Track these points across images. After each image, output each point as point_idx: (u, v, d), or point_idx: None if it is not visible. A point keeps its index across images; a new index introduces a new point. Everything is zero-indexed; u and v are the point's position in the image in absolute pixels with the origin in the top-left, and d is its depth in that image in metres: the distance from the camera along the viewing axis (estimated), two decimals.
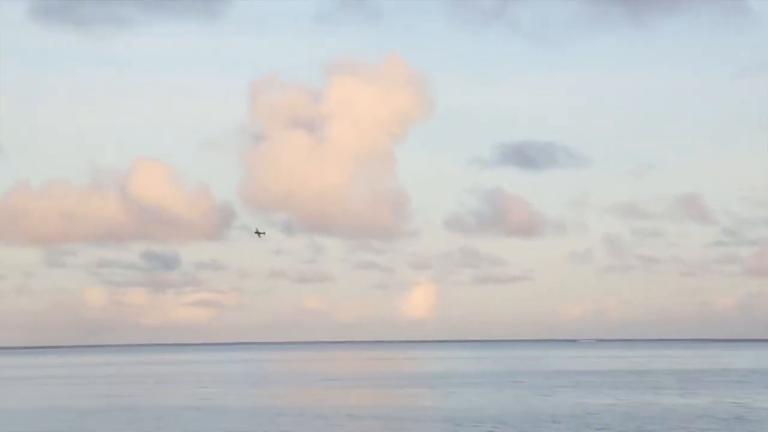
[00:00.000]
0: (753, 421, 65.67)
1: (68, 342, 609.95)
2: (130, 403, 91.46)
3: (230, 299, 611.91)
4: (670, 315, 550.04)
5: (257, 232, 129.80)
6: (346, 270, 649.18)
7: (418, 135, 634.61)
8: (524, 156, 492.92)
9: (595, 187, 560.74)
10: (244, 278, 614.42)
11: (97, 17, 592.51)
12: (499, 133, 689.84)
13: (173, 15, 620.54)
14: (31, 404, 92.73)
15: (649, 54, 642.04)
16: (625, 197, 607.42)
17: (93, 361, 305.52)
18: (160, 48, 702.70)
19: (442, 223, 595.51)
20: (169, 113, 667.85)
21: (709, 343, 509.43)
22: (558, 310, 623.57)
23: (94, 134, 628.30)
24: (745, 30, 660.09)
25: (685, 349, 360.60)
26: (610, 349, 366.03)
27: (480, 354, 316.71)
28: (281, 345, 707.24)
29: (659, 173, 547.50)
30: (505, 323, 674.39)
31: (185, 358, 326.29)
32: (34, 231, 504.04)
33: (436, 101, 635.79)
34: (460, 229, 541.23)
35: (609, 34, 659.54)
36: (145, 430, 63.18)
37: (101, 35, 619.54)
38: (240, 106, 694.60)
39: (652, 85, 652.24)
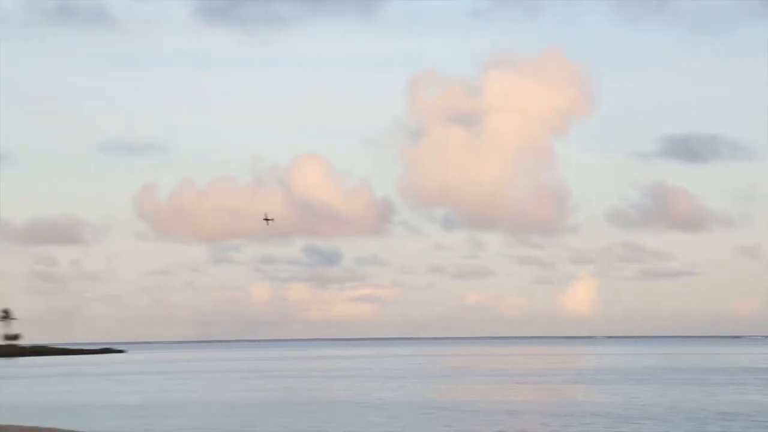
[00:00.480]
0: None
1: (233, 336, 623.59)
2: (294, 396, 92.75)
3: (391, 294, 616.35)
4: None
5: (266, 219, 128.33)
6: (506, 265, 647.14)
7: (578, 128, 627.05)
8: (688, 149, 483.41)
9: (762, 180, 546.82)
10: (405, 274, 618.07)
11: (257, 17, 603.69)
12: (662, 126, 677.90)
13: (331, 13, 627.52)
14: (198, 397, 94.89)
15: None
16: None
17: (258, 355, 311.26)
18: (319, 46, 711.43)
19: (603, 218, 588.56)
20: (329, 110, 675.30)
21: None
22: (725, 306, 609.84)
23: (256, 132, 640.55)
24: None
25: None
26: None
27: (644, 350, 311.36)
28: (442, 340, 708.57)
29: None
30: (670, 319, 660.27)
31: (348, 352, 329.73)
32: (200, 228, 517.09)
33: (598, 95, 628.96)
34: (623, 223, 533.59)
35: None
36: (308, 423, 63.92)
37: (261, 34, 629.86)
38: (399, 102, 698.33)
39: None
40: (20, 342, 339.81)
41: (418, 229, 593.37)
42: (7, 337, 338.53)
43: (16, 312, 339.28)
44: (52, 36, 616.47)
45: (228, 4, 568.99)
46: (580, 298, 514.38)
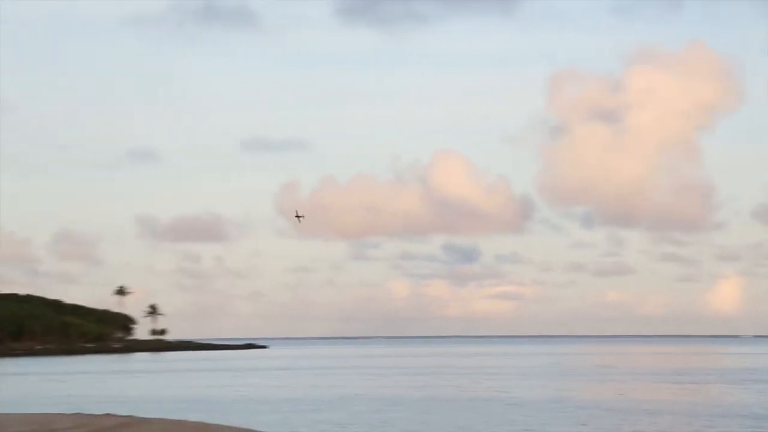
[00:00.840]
0: None
1: (372, 333, 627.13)
2: (434, 394, 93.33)
3: (531, 292, 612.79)
4: None
5: (297, 216, 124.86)
6: (648, 263, 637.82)
7: (723, 123, 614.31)
8: None
9: None
10: (544, 271, 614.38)
11: (397, 15, 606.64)
12: None
13: (471, 11, 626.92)
14: (341, 393, 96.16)
15: None
16: None
17: (398, 352, 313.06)
18: (459, 43, 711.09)
19: (750, 214, 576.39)
20: (468, 107, 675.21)
21: None
22: None
23: (395, 129, 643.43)
24: None
25: None
26: None
27: None
28: (582, 338, 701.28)
29: None
30: None
31: (487, 350, 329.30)
32: (340, 225, 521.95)
33: (743, 88, 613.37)
34: None
35: None
36: (448, 421, 64.40)
37: (401, 33, 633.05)
38: (538, 98, 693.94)
39: None
40: (166, 337, 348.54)
41: (558, 227, 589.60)
42: (154, 332, 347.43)
43: (162, 308, 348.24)
44: (197, 36, 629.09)
45: (368, 3, 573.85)
46: (725, 296, 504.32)
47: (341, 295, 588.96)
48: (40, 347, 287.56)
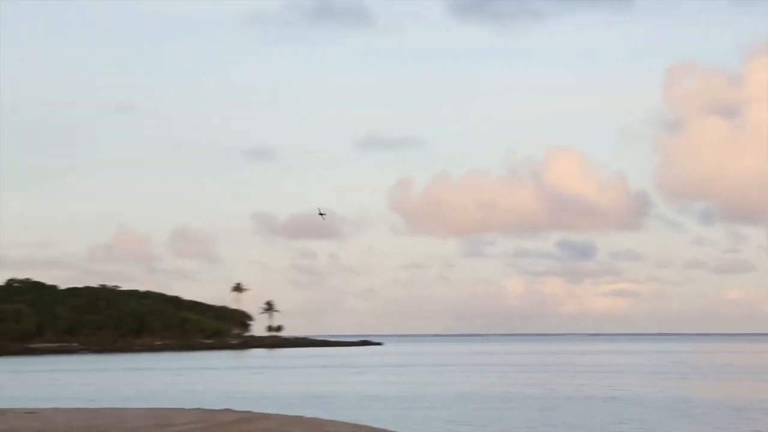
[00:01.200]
0: None
1: (486, 330, 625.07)
2: (549, 391, 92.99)
3: (647, 289, 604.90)
4: None
5: (320, 213, 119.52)
6: None
7: None
8: None
9: None
10: (661, 268, 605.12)
11: (510, 11, 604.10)
12: None
13: (585, 4, 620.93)
14: (454, 390, 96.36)
15: None
16: None
17: (513, 349, 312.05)
18: (574, 38, 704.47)
19: None
20: (582, 102, 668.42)
21: None
22: None
23: (510, 125, 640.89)
24: None
25: None
26: None
27: None
28: (701, 336, 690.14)
29: None
30: None
31: (603, 347, 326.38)
32: (454, 222, 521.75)
33: None
34: None
35: None
36: (561, 419, 64.22)
37: (515, 29, 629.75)
38: (655, 93, 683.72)
39: None
40: (282, 333, 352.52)
41: (676, 223, 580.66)
42: (270, 329, 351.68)
43: (277, 304, 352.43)
44: (311, 35, 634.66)
45: (480, 0, 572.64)
46: None
47: (455, 292, 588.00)
48: (159, 343, 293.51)
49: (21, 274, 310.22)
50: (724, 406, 73.89)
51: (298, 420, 51.13)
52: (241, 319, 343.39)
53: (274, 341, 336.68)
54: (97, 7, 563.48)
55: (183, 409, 59.22)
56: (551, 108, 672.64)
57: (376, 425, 54.74)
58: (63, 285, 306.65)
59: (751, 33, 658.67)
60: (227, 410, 56.10)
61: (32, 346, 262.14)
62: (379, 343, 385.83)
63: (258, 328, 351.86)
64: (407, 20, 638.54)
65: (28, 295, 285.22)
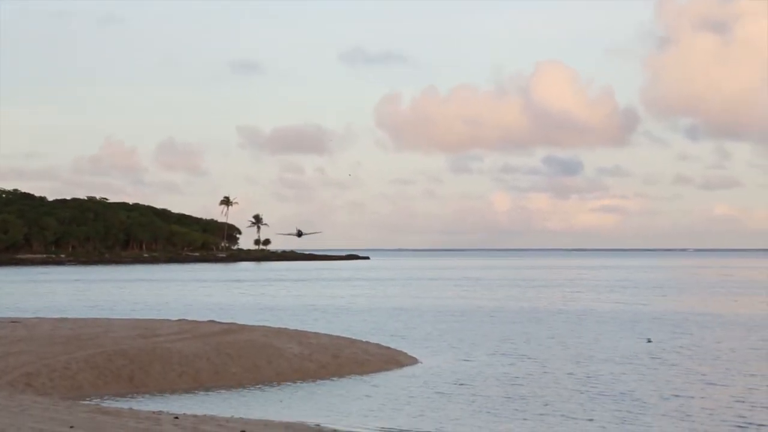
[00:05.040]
0: None
1: (474, 245, 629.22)
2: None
3: (634, 205, 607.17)
4: None
5: (298, 234, 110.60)
6: (756, 176, 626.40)
7: None
8: None
9: None
10: (648, 185, 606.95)
11: None
12: None
13: None
14: (437, 303, 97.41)
15: None
16: None
17: (494, 264, 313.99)
18: None
19: None
20: (571, 17, 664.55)
21: None
22: None
23: (497, 40, 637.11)
24: None
25: None
26: None
27: None
28: (687, 252, 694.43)
29: None
30: None
31: (588, 262, 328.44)
32: (441, 138, 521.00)
33: None
34: None
35: None
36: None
37: None
38: (645, 9, 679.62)
39: None
40: (269, 247, 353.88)
41: (662, 140, 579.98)
42: (257, 242, 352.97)
43: (265, 217, 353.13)
44: None
45: None
46: None
47: (442, 207, 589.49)
48: (146, 255, 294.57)
49: (8, 185, 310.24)
50: (712, 321, 74.86)
51: (282, 331, 51.83)
52: (229, 232, 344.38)
53: (262, 254, 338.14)
54: None
55: (168, 320, 59.92)
56: (539, 23, 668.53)
57: (353, 336, 55.74)
58: (50, 196, 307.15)
59: None
60: (211, 321, 56.78)
61: (20, 256, 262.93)
62: (366, 257, 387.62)
63: (246, 241, 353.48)
64: None
65: (16, 205, 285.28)
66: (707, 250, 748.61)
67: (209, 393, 39.62)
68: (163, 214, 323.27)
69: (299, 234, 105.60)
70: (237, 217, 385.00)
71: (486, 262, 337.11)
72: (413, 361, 48.61)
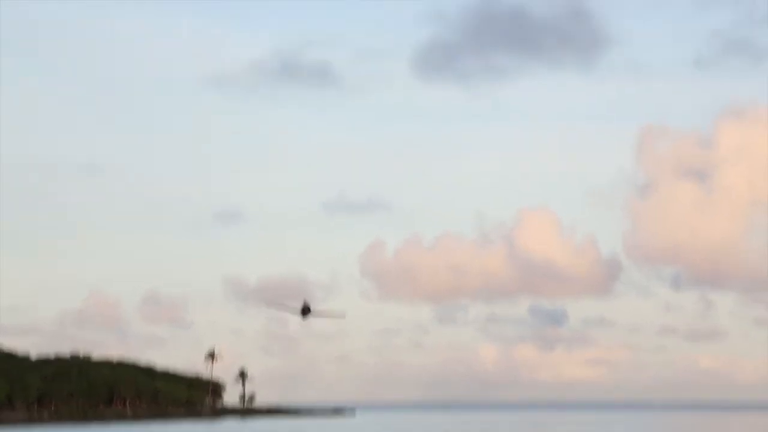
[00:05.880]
0: None
1: (462, 398, 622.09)
2: None
3: (620, 357, 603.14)
4: None
5: (305, 310, 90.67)
6: (741, 326, 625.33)
7: None
8: None
9: None
10: (634, 335, 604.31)
11: (475, 70, 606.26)
12: None
13: (550, 64, 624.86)
14: None
15: None
16: None
17: (489, 419, 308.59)
18: (540, 98, 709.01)
19: None
20: (553, 163, 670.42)
21: None
22: None
23: (480, 186, 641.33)
24: None
25: None
26: None
27: None
28: (675, 406, 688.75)
29: None
30: None
31: (579, 418, 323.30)
32: (426, 287, 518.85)
33: None
34: None
35: None
36: None
37: (481, 88, 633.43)
38: (625, 155, 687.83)
39: None
40: (255, 402, 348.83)
41: (646, 288, 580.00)
42: (243, 398, 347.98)
43: (250, 370, 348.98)
44: (277, 96, 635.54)
45: (446, 58, 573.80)
46: None
47: (429, 358, 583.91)
48: (130, 413, 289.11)
49: None
50: None
51: None
52: (214, 388, 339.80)
53: (246, 411, 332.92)
54: (62, 69, 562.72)
55: None
56: (521, 169, 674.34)
57: None
58: (34, 351, 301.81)
59: (718, 95, 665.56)
60: None
61: (0, 417, 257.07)
62: (352, 409, 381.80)
63: (232, 395, 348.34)
64: (372, 81, 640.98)
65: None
66: (690, 406, 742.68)
67: None
68: (148, 371, 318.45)
69: (305, 311, 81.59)
70: (223, 370, 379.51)
71: (476, 417, 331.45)
72: None
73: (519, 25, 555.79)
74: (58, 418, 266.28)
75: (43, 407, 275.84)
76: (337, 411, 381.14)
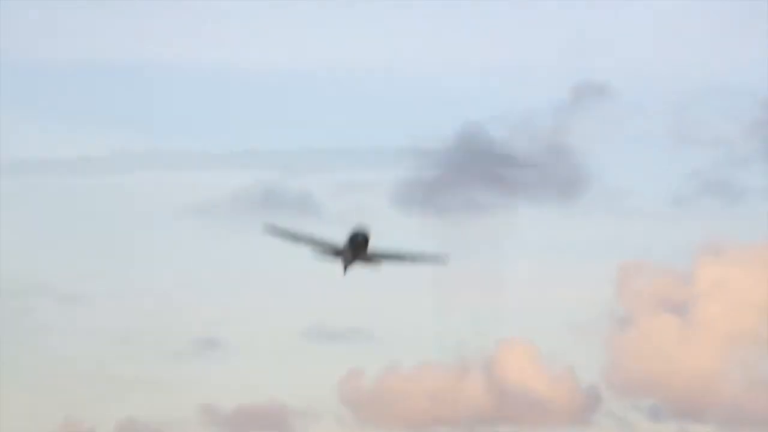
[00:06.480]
0: None
1: None
2: None
3: None
4: None
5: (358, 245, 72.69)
6: None
7: None
8: None
9: None
10: None
11: (454, 205, 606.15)
12: None
13: (530, 199, 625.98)
14: None
15: None
16: None
17: None
18: (520, 233, 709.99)
19: None
20: (534, 296, 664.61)
21: None
22: None
23: (460, 317, 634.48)
24: None
25: None
26: None
27: None
28: None
29: None
30: None
31: None
32: (405, 415, 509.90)
33: None
34: None
35: None
36: None
37: (460, 222, 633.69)
38: (606, 289, 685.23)
39: None
40: None
41: (625, 420, 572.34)
42: None
43: None
44: (256, 224, 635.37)
45: (426, 193, 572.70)
46: None
47: None
48: None
49: None
50: None
51: None
52: None
53: None
54: (38, 196, 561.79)
55: None
56: (502, 301, 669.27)
57: None
58: None
59: (697, 232, 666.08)
60: None
61: None
62: None
63: None
64: (352, 212, 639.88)
65: None
66: None
67: None
68: None
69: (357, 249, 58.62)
70: None
71: None
72: None
73: (499, 161, 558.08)
74: None
75: None
76: None
